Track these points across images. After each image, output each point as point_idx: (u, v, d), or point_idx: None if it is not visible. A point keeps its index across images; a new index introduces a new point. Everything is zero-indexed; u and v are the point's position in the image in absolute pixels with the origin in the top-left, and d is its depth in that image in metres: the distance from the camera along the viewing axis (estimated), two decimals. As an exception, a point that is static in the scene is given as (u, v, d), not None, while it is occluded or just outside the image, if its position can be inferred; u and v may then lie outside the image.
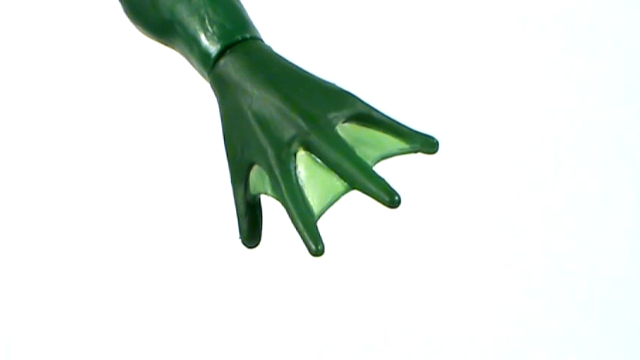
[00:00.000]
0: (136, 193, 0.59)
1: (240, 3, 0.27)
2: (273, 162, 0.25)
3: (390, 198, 0.23)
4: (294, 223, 0.23)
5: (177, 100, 0.60)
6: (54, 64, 0.62)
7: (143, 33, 0.26)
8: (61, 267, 0.59)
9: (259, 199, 0.25)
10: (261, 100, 0.26)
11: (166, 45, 0.27)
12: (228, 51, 0.27)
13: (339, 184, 0.24)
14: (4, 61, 0.62)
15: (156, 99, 0.61)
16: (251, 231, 0.25)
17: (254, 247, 0.24)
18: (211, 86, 0.27)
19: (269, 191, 0.25)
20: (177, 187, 0.58)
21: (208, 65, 0.27)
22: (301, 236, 0.22)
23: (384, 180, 0.23)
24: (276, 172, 0.25)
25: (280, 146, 0.25)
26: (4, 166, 0.60)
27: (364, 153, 0.25)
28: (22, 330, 0.55)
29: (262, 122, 0.26)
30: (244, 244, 0.24)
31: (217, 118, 0.25)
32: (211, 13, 0.27)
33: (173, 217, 0.58)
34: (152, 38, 0.26)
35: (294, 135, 0.25)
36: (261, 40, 0.26)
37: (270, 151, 0.25)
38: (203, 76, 0.27)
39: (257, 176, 0.26)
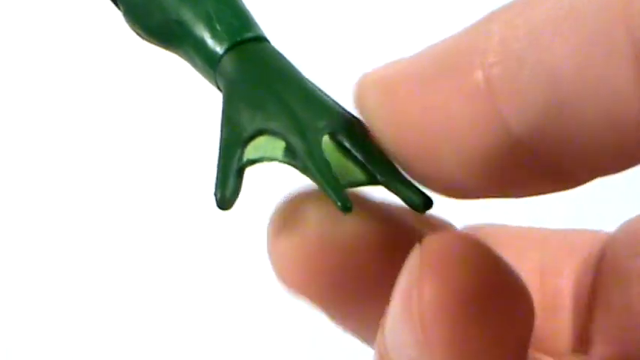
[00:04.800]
0: (127, 195, 0.59)
1: (243, 3, 0.27)
2: (304, 129, 0.25)
3: (420, 201, 0.21)
4: (320, 185, 0.22)
5: (171, 106, 0.60)
6: (50, 68, 0.62)
7: (143, 37, 0.26)
8: (57, 267, 0.59)
9: (244, 168, 0.24)
10: (287, 87, 0.25)
11: (167, 48, 0.27)
12: (235, 49, 0.27)
13: (359, 171, 0.23)
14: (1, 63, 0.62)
15: (152, 104, 0.61)
16: (230, 194, 0.24)
17: (226, 210, 0.23)
18: (217, 83, 0.26)
19: (280, 157, 0.24)
20: (168, 190, 0.58)
21: (215, 63, 0.26)
22: (330, 196, 0.21)
23: (415, 184, 0.22)
24: (308, 136, 0.24)
25: (311, 122, 0.24)
26: (4, 166, 0.60)
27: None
28: (20, 331, 0.55)
29: (289, 102, 0.25)
30: (219, 205, 0.23)
31: (212, 123, 0.25)
32: (218, 11, 0.27)
33: (163, 219, 0.58)
34: (153, 42, 0.26)
35: (326, 122, 0.25)
36: (268, 41, 0.26)
37: (301, 123, 0.25)
38: (209, 74, 0.26)
39: (266, 143, 0.25)
